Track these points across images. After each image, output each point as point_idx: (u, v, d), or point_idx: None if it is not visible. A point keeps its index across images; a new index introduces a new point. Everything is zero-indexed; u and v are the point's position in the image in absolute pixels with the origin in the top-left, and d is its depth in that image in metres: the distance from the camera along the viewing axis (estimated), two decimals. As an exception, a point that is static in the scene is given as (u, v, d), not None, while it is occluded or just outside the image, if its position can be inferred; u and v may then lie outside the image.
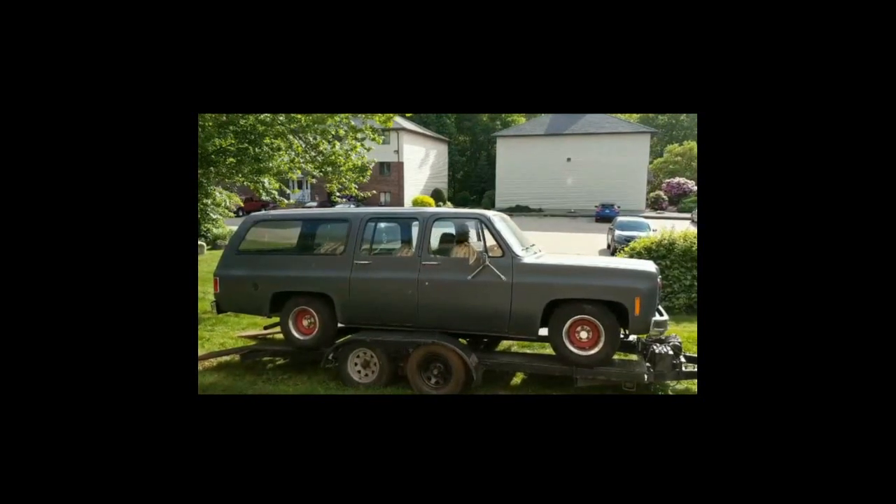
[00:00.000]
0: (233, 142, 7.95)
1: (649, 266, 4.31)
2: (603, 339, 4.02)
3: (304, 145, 8.66)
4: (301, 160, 8.77)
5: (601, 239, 17.67)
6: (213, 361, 5.35)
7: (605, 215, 25.00)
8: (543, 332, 4.23)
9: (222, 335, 6.28)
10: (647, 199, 32.25)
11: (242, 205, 16.93)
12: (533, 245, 4.78)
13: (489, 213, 4.52)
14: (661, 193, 33.59)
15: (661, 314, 4.22)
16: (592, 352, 4.05)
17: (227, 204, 12.43)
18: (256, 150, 8.09)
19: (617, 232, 14.24)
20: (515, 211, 30.01)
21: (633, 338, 4.66)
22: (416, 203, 29.81)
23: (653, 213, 28.86)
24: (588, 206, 29.89)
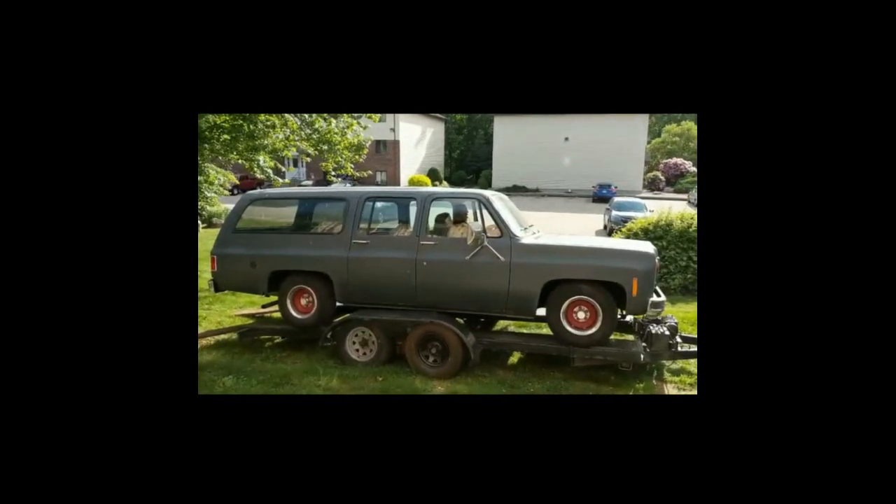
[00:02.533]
0: (227, 118, 7.81)
1: (647, 247, 4.31)
2: (600, 319, 4.05)
3: (299, 122, 8.53)
4: (296, 137, 8.66)
5: (598, 219, 17.68)
6: (211, 340, 5.36)
7: (602, 195, 24.93)
8: (541, 312, 4.26)
9: (219, 313, 6.29)
10: (644, 180, 32.17)
11: (238, 183, 16.78)
12: (531, 225, 4.77)
13: (487, 193, 4.50)
14: (659, 174, 33.51)
15: (658, 295, 4.25)
16: (590, 332, 4.07)
17: (222, 182, 12.30)
18: (251, 126, 7.96)
19: (614, 212, 14.20)
20: (512, 191, 29.90)
21: (629, 318, 4.69)
22: (412, 182, 29.62)
23: (650, 194, 28.83)
24: (585, 186, 29.81)
